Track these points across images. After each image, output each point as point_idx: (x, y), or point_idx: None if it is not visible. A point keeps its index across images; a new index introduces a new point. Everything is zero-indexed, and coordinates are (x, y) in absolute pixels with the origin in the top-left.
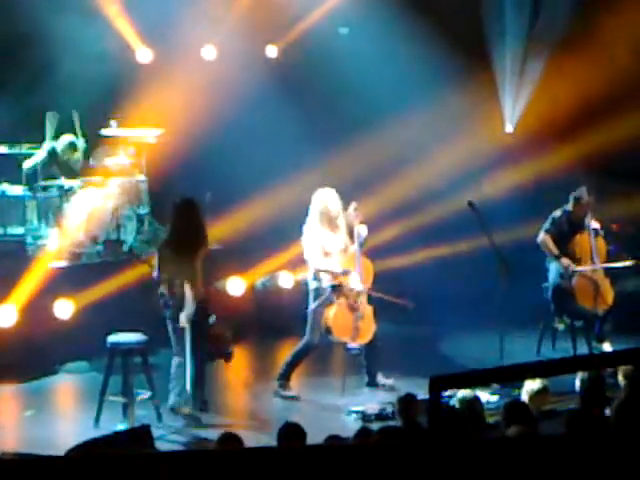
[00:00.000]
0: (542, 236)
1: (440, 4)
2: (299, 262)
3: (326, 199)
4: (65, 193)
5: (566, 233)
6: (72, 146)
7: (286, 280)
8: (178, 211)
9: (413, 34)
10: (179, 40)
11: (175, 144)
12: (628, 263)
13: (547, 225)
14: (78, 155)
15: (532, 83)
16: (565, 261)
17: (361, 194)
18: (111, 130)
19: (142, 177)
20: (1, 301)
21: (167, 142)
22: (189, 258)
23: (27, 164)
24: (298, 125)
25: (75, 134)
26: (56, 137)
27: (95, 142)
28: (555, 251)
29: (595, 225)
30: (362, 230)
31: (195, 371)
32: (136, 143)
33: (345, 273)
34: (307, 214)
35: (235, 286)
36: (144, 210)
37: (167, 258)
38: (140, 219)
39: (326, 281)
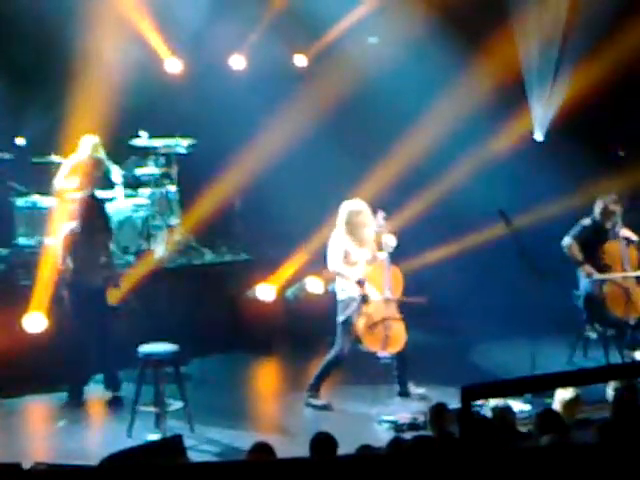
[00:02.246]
0: (568, 241)
1: (469, 11)
2: (322, 259)
3: (354, 210)
4: None
5: (594, 241)
6: (95, 147)
7: (315, 285)
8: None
9: (442, 42)
10: (208, 50)
11: (205, 154)
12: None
13: (574, 231)
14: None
15: (563, 88)
16: (587, 268)
17: (390, 202)
18: (141, 141)
19: (173, 188)
20: (32, 309)
21: (197, 152)
22: None
23: (57, 181)
24: (327, 134)
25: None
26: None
27: (125, 153)
28: (579, 257)
29: (627, 234)
30: (390, 240)
31: None
32: (166, 154)
33: (360, 283)
34: (334, 223)
35: (265, 292)
36: (175, 220)
37: None
38: (171, 229)
39: (354, 291)
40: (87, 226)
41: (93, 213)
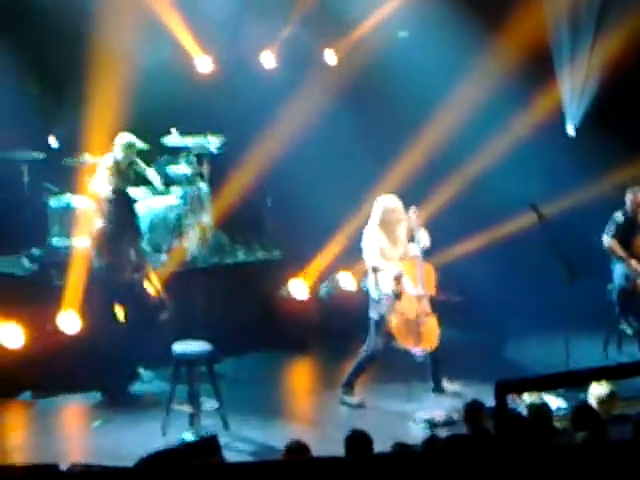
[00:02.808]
0: (608, 241)
1: (501, 7)
2: (353, 253)
3: (389, 206)
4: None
5: (629, 233)
6: (130, 146)
7: (347, 281)
8: None
9: (473, 37)
10: (239, 48)
11: (237, 152)
12: None
13: (610, 229)
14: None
15: (594, 82)
16: (634, 263)
17: (422, 197)
18: (172, 139)
19: (205, 186)
20: (63, 309)
21: (229, 150)
22: None
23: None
24: (358, 130)
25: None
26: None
27: (157, 152)
28: (623, 254)
29: None
30: (423, 236)
31: None
32: (198, 152)
33: (397, 277)
34: (365, 216)
35: (298, 289)
36: (207, 219)
37: None
38: (203, 228)
39: (387, 287)
40: (117, 222)
41: (122, 209)
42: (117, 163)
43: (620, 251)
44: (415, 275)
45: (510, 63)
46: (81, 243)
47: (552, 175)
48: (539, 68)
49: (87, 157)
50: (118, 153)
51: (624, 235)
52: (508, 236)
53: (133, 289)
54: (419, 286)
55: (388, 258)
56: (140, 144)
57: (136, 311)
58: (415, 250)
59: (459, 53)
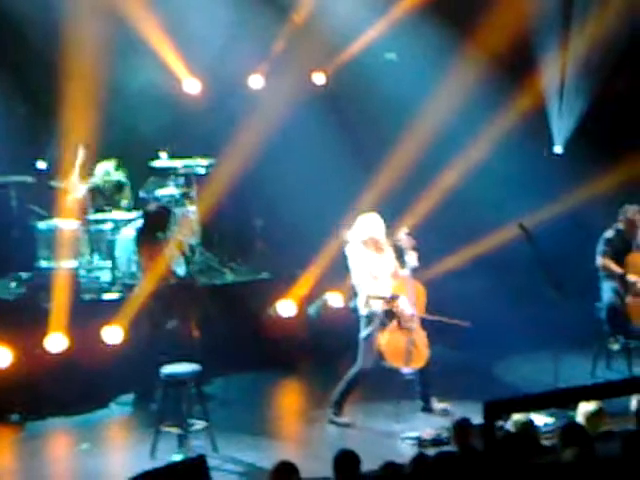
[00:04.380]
0: (600, 260)
1: (485, 26)
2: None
3: (370, 224)
4: (117, 226)
5: (621, 252)
6: (107, 174)
7: (336, 300)
8: None
9: (459, 57)
10: (226, 70)
11: (225, 174)
12: None
13: (602, 247)
14: (115, 179)
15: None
16: (632, 277)
17: (409, 216)
18: (161, 162)
19: (192, 208)
20: (54, 330)
21: (217, 172)
22: None
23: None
24: (345, 151)
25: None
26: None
27: (145, 174)
28: (619, 270)
29: None
30: (411, 258)
31: None
32: (186, 174)
33: (394, 298)
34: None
35: (286, 308)
36: (195, 240)
37: None
38: (191, 249)
39: (377, 306)
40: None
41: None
42: (98, 186)
43: (615, 267)
44: (406, 294)
45: (492, 79)
46: (67, 265)
47: (539, 191)
48: (522, 85)
49: (73, 179)
50: (99, 178)
51: (617, 253)
52: (495, 254)
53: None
54: (410, 306)
55: (377, 276)
56: (116, 175)
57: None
58: (405, 271)
59: (442, 73)
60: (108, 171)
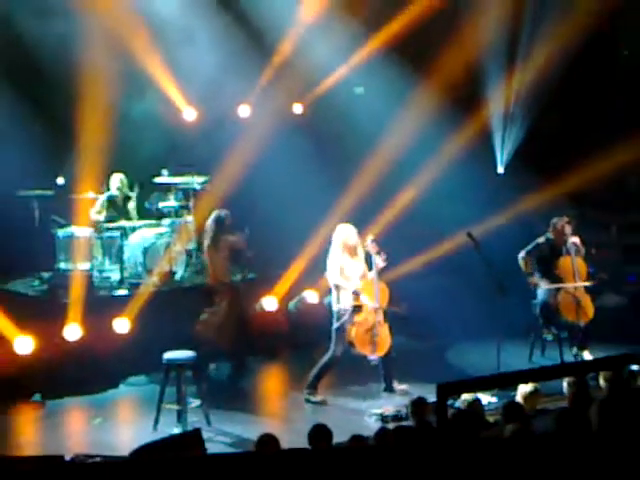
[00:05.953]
0: (522, 255)
1: (440, 65)
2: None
3: (346, 232)
4: (125, 233)
5: (549, 257)
6: (120, 187)
7: (313, 297)
8: None
9: (417, 91)
10: (219, 101)
11: (217, 189)
12: (587, 284)
13: (529, 247)
14: (125, 191)
15: (520, 130)
16: (533, 280)
17: (375, 225)
18: (163, 178)
19: (190, 218)
20: (71, 321)
21: (211, 187)
22: None
23: (93, 214)
24: (321, 170)
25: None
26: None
27: (150, 189)
28: (529, 269)
29: (574, 239)
30: (378, 261)
31: None
32: (184, 189)
33: (356, 293)
34: (329, 245)
35: (269, 303)
36: (192, 246)
37: None
38: (189, 254)
39: (348, 303)
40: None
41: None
42: (112, 197)
43: (527, 266)
44: (372, 292)
45: (445, 109)
46: (83, 266)
47: (484, 205)
48: (471, 114)
49: (90, 193)
50: (114, 190)
51: (545, 256)
52: (448, 258)
53: None
54: (376, 302)
55: (348, 276)
56: (126, 187)
57: None
58: (372, 273)
59: (402, 104)
60: (120, 185)
